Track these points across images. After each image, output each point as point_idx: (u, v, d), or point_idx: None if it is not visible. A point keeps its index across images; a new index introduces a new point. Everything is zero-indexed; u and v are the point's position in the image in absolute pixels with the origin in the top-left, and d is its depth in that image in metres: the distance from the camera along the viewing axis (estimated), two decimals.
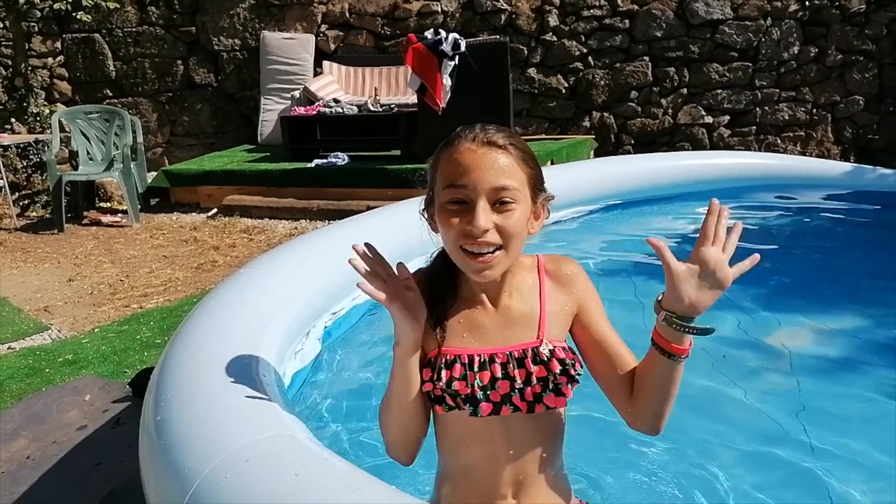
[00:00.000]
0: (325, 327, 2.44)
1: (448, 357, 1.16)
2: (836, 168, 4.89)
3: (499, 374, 1.15)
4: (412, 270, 1.20)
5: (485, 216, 1.07)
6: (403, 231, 3.10)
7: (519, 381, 1.14)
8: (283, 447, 1.20)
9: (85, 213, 5.91)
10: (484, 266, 1.10)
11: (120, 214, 5.88)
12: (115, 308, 3.82)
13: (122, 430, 2.50)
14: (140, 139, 6.13)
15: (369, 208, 4.06)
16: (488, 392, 1.15)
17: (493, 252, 1.09)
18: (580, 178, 4.40)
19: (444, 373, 1.16)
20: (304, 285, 2.28)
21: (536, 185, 1.16)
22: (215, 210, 5.75)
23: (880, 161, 5.54)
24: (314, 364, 2.28)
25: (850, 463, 1.85)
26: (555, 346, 1.16)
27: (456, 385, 1.15)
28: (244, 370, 1.51)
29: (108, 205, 6.24)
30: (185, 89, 7.20)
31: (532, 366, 1.15)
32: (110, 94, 7.17)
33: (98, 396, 2.77)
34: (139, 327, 3.48)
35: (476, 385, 1.14)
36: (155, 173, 6.31)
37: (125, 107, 6.81)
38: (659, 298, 1.10)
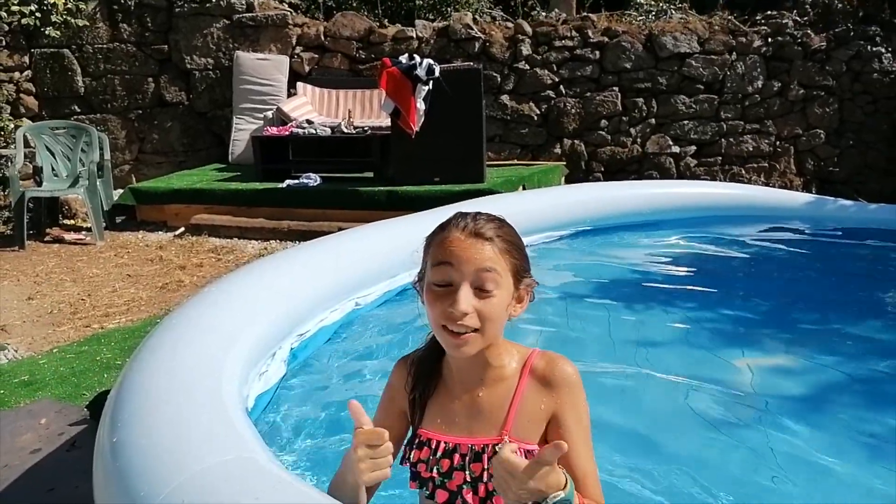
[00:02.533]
0: (291, 349, 2.40)
1: (421, 438, 1.23)
2: (799, 199, 5.03)
3: (457, 464, 1.19)
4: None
5: (465, 300, 1.14)
6: (371, 252, 3.10)
7: (472, 476, 1.18)
8: (244, 470, 1.16)
9: (48, 230, 5.76)
10: (461, 343, 1.16)
11: (84, 232, 5.75)
12: (75, 328, 3.72)
13: (77, 454, 2.41)
14: (107, 156, 6.02)
15: (341, 230, 4.04)
16: (445, 481, 1.19)
17: (469, 333, 1.15)
18: (552, 203, 4.45)
19: (413, 453, 1.23)
20: (269, 306, 2.25)
21: (519, 274, 1.21)
22: (182, 229, 5.66)
23: (841, 192, 5.70)
24: (279, 386, 2.24)
25: (817, 484, 1.87)
26: (518, 447, 1.16)
27: (420, 467, 1.21)
28: (205, 392, 1.47)
29: (72, 222, 6.11)
30: (156, 107, 7.12)
31: (487, 462, 1.17)
32: (78, 110, 7.05)
33: (54, 420, 2.67)
34: (99, 348, 3.38)
35: (436, 471, 1.20)
36: (122, 191, 6.20)
37: (93, 123, 6.70)
38: None
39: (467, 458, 1.19)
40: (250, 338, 1.99)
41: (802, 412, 2.30)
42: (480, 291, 1.15)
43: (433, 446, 1.21)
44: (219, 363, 1.67)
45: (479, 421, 1.21)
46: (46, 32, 6.48)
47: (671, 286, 3.63)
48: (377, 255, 3.07)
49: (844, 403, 2.36)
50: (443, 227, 1.21)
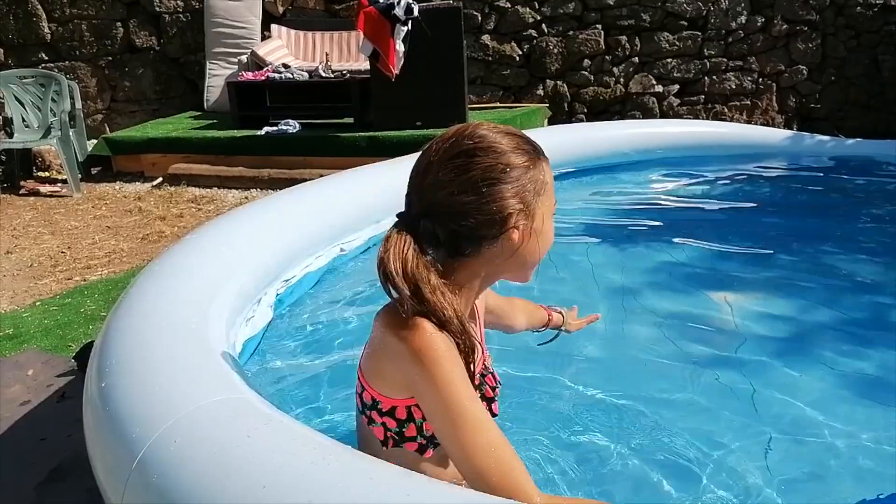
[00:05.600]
0: (277, 294, 2.40)
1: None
2: (780, 136, 5.04)
3: (492, 384, 1.33)
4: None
5: None
6: (351, 198, 3.08)
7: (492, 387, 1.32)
8: (235, 409, 1.17)
9: (22, 183, 5.65)
10: None
11: (59, 184, 5.65)
12: (56, 281, 3.68)
13: (67, 404, 2.43)
14: (79, 105, 5.86)
15: (322, 177, 3.99)
16: (496, 396, 1.34)
17: None
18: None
19: (486, 388, 1.30)
20: (254, 251, 2.24)
21: None
22: (160, 179, 5.57)
23: (821, 129, 5.71)
24: (265, 331, 2.25)
25: (796, 426, 1.91)
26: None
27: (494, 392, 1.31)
28: (192, 336, 1.47)
29: (47, 174, 5.98)
30: (126, 53, 6.89)
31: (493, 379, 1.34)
32: (45, 58, 6.82)
33: (41, 371, 2.68)
34: (83, 300, 3.36)
35: (492, 389, 1.31)
36: (95, 141, 6.06)
37: (62, 71, 6.49)
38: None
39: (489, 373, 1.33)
40: (235, 283, 1.98)
41: (783, 345, 2.34)
42: None
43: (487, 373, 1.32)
44: (205, 307, 1.67)
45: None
46: None
47: (653, 226, 3.66)
48: (361, 200, 3.05)
49: (825, 335, 2.41)
50: (541, 154, 1.15)
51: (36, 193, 5.48)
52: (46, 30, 6.78)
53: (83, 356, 2.62)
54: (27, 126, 5.66)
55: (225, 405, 1.18)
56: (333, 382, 1.97)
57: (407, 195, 1.14)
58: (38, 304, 3.37)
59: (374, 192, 3.05)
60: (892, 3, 5.89)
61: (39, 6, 6.72)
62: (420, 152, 1.15)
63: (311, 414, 1.81)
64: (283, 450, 1.06)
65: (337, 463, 1.03)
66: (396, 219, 1.13)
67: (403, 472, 1.03)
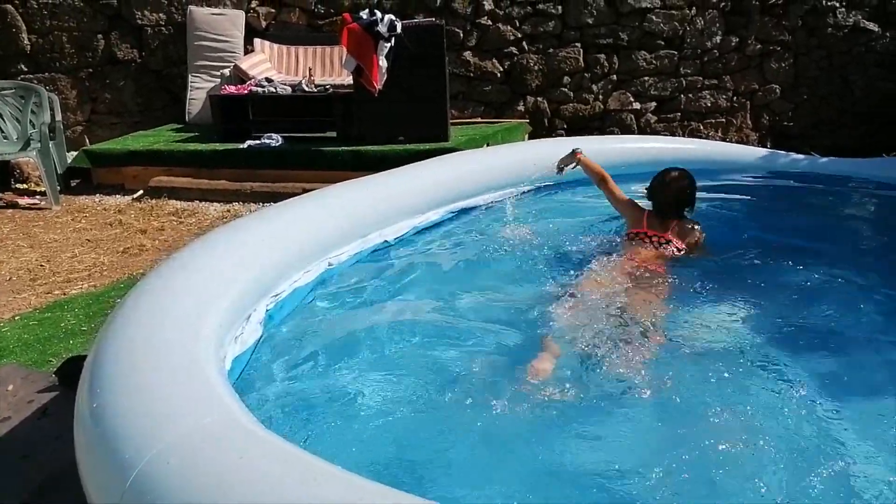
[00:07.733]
0: (267, 310, 2.41)
1: None
2: (754, 153, 5.15)
3: None
4: None
5: None
6: (339, 212, 3.10)
7: None
8: (227, 430, 1.20)
9: (0, 195, 5.59)
10: None
11: (38, 196, 5.60)
12: (36, 295, 3.65)
13: (49, 420, 2.41)
14: (59, 117, 5.83)
15: (305, 191, 4.02)
16: None
17: None
18: (517, 158, 4.48)
19: None
20: (242, 268, 2.25)
21: None
22: (141, 192, 5.54)
23: (794, 147, 5.85)
24: (255, 348, 2.26)
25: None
26: None
27: None
28: (183, 356, 1.49)
29: (25, 186, 5.92)
30: (107, 65, 6.86)
31: None
32: (25, 70, 6.76)
33: (22, 386, 2.65)
34: (63, 314, 3.34)
35: None
36: (75, 153, 6.02)
37: (41, 83, 6.45)
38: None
39: None
40: (224, 300, 2.00)
41: (757, 356, 2.40)
42: None
43: None
44: (194, 326, 1.69)
45: None
46: None
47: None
48: (344, 213, 3.07)
49: (797, 346, 2.47)
50: None
51: (14, 206, 5.42)
52: (26, 41, 6.73)
53: (64, 371, 2.61)
54: (6, 138, 5.61)
55: (217, 426, 1.21)
56: (324, 399, 1.99)
57: None
58: (16, 318, 3.34)
59: (362, 206, 3.09)
60: (862, 26, 6.08)
61: (19, 17, 6.67)
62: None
63: (302, 432, 1.83)
64: (273, 470, 1.08)
65: (326, 482, 1.06)
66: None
67: (391, 490, 1.07)
